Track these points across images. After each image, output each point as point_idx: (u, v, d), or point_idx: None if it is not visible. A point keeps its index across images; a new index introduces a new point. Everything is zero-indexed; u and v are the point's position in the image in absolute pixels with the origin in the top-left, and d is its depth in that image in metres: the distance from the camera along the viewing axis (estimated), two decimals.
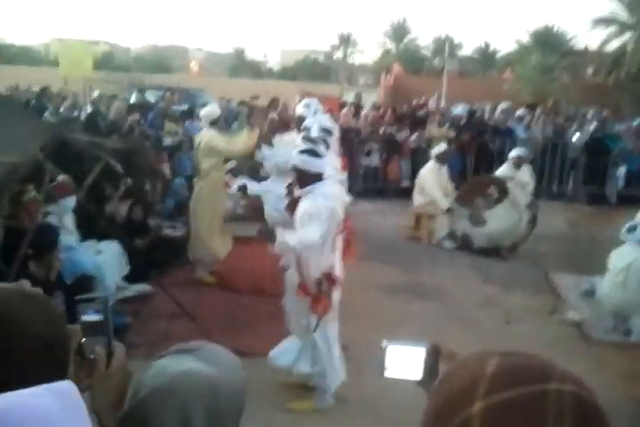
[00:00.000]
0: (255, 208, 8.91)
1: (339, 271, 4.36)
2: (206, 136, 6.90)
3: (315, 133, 5.78)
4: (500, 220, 8.53)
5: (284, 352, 4.57)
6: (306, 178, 4.22)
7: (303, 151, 4.28)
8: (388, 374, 1.30)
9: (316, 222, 4.04)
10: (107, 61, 47.87)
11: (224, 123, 11.55)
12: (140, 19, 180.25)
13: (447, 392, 0.86)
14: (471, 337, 5.70)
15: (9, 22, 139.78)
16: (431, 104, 15.53)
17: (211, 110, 7.17)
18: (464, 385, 0.84)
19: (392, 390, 4.66)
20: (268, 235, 4.16)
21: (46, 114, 11.25)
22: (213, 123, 6.96)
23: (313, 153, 4.27)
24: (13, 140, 5.16)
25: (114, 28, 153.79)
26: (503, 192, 8.60)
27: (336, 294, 4.37)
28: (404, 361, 1.30)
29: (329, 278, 4.22)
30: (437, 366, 1.32)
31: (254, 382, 4.50)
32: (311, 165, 4.20)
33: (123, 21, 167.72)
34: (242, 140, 6.76)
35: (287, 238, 4.04)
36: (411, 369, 1.30)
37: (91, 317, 1.22)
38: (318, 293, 4.18)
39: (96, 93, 14.00)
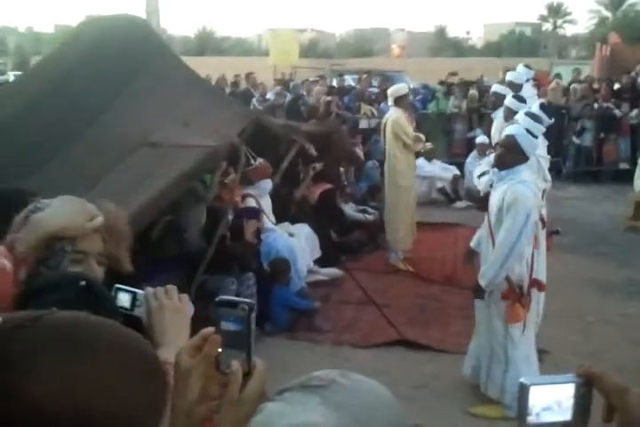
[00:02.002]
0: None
1: (543, 271, 3.90)
2: (392, 116, 6.67)
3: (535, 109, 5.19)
4: None
5: (471, 356, 4.21)
6: (510, 157, 3.78)
7: (525, 129, 3.83)
8: (531, 420, 0.99)
9: (514, 214, 3.64)
10: (312, 48, 49.76)
11: (418, 103, 11.25)
12: (346, 4, 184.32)
13: None
14: None
15: (226, 16, 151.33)
16: None
17: (397, 88, 6.95)
18: None
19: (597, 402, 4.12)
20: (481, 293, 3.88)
21: (254, 100, 11.82)
22: (398, 101, 6.69)
23: (530, 131, 3.82)
24: (215, 125, 5.37)
25: (321, 14, 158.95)
26: None
27: (536, 296, 3.92)
28: (550, 402, 0.99)
29: (539, 285, 3.85)
30: (590, 402, 0.98)
31: (443, 381, 4.28)
32: (525, 143, 3.75)
33: (329, 8, 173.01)
34: None
35: (487, 272, 3.75)
36: (557, 410, 0.98)
37: (230, 325, 1.03)
38: (519, 297, 3.75)
39: (299, 80, 14.45)
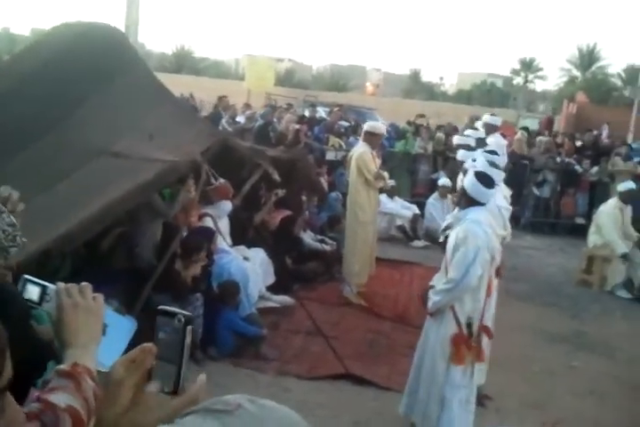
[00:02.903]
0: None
1: (491, 318, 3.91)
2: (358, 150, 6.70)
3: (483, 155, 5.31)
4: None
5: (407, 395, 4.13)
6: (465, 201, 3.93)
7: (477, 174, 3.95)
8: None
9: (464, 250, 3.68)
10: (288, 78, 50.33)
11: (386, 141, 11.38)
12: (324, 38, 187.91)
13: None
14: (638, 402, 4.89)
15: (206, 38, 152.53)
16: (604, 135, 14.30)
17: (375, 125, 7.05)
18: None
19: None
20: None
21: (223, 121, 11.78)
22: (370, 137, 6.72)
23: (486, 180, 3.92)
24: (180, 141, 5.29)
25: (300, 46, 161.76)
26: None
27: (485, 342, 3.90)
28: None
29: (487, 331, 3.86)
30: None
31: (384, 419, 4.18)
32: (478, 192, 3.88)
33: (309, 40, 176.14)
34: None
35: (433, 295, 3.83)
36: None
37: (165, 335, 1.01)
38: (467, 339, 3.74)
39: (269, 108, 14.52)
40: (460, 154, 6.04)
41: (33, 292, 1.37)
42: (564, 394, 5.01)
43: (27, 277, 1.39)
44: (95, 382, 1.26)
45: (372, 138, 6.76)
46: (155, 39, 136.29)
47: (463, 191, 3.96)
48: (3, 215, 1.68)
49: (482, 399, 4.58)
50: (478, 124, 7.67)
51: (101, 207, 4.26)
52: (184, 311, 1.02)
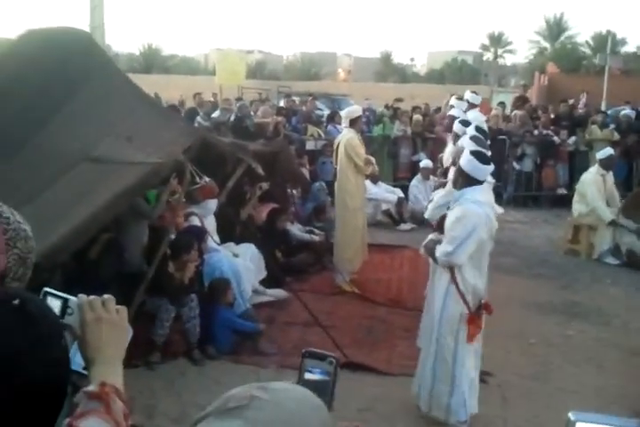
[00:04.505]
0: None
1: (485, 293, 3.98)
2: (345, 136, 6.69)
3: (472, 133, 5.41)
4: None
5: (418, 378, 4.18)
6: (466, 181, 3.91)
7: (473, 153, 3.95)
8: None
9: (461, 228, 3.74)
10: (260, 70, 49.97)
11: (365, 125, 11.38)
12: (293, 27, 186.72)
13: None
14: (638, 367, 4.98)
15: (173, 35, 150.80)
16: (581, 104, 14.39)
17: (352, 109, 7.06)
18: None
19: (540, 422, 4.14)
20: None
21: (198, 118, 11.68)
22: (352, 122, 6.74)
23: (483, 157, 3.94)
24: (159, 142, 5.24)
25: (268, 37, 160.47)
26: None
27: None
28: None
29: (487, 308, 3.93)
30: None
31: (388, 404, 4.22)
32: (478, 170, 3.89)
33: (276, 30, 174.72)
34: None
35: (437, 248, 3.88)
36: None
37: (316, 377, 1.10)
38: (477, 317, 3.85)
39: (246, 101, 14.44)
40: (456, 127, 6.24)
41: (54, 305, 1.34)
42: (562, 364, 5.08)
43: (47, 289, 1.36)
44: (123, 401, 1.24)
45: (354, 122, 6.77)
46: (121, 40, 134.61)
47: (460, 171, 3.94)
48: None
49: (482, 376, 4.65)
50: (453, 101, 7.83)
51: (88, 216, 4.22)
52: (331, 354, 1.09)
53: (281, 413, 0.84)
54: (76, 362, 1.29)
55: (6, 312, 1.17)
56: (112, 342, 1.31)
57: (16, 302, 1.20)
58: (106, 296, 1.37)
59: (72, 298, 1.35)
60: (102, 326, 1.31)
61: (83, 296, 1.35)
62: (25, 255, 1.55)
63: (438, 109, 13.52)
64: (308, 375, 1.06)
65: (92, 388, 1.21)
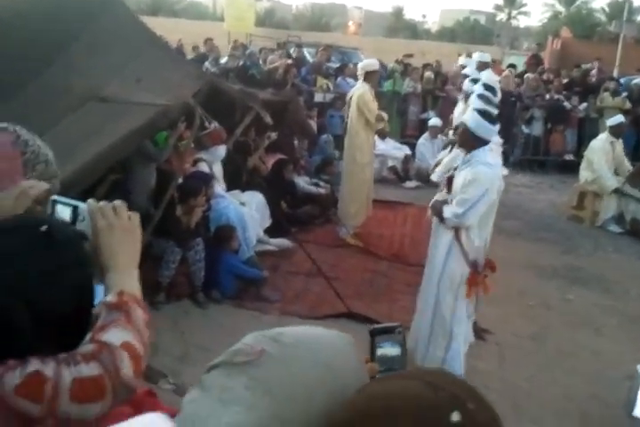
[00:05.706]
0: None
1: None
2: (359, 90, 6.55)
3: (480, 91, 5.31)
4: None
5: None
6: (472, 140, 3.82)
7: (479, 111, 3.86)
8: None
9: (472, 190, 3.70)
10: (268, 18, 48.84)
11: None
12: None
13: None
14: (636, 334, 5.03)
15: None
16: (594, 72, 14.11)
17: (369, 62, 6.85)
18: None
19: (536, 381, 4.20)
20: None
21: (206, 63, 11.47)
22: (368, 76, 6.57)
23: (489, 116, 3.86)
24: (168, 84, 5.13)
25: None
26: None
27: None
28: None
29: (491, 265, 3.92)
30: None
31: None
32: (484, 129, 3.81)
33: None
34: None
35: (445, 209, 3.83)
36: None
37: (388, 350, 1.05)
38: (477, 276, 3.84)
39: (255, 48, 14.17)
40: (466, 85, 6.27)
41: (64, 213, 1.30)
42: (560, 327, 5.13)
43: (55, 197, 1.32)
44: (143, 308, 1.22)
45: (370, 76, 6.59)
46: None
47: (467, 132, 3.86)
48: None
49: (481, 333, 4.70)
50: (462, 60, 7.76)
51: (95, 155, 4.16)
52: (396, 323, 1.06)
53: (287, 376, 0.79)
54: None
55: (35, 237, 1.17)
56: (126, 248, 1.27)
57: (44, 228, 1.18)
58: (117, 202, 1.31)
59: (82, 205, 1.30)
60: (115, 233, 1.27)
61: (92, 202, 1.30)
62: (45, 180, 1.52)
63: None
64: (380, 351, 1.03)
65: (110, 298, 1.20)
